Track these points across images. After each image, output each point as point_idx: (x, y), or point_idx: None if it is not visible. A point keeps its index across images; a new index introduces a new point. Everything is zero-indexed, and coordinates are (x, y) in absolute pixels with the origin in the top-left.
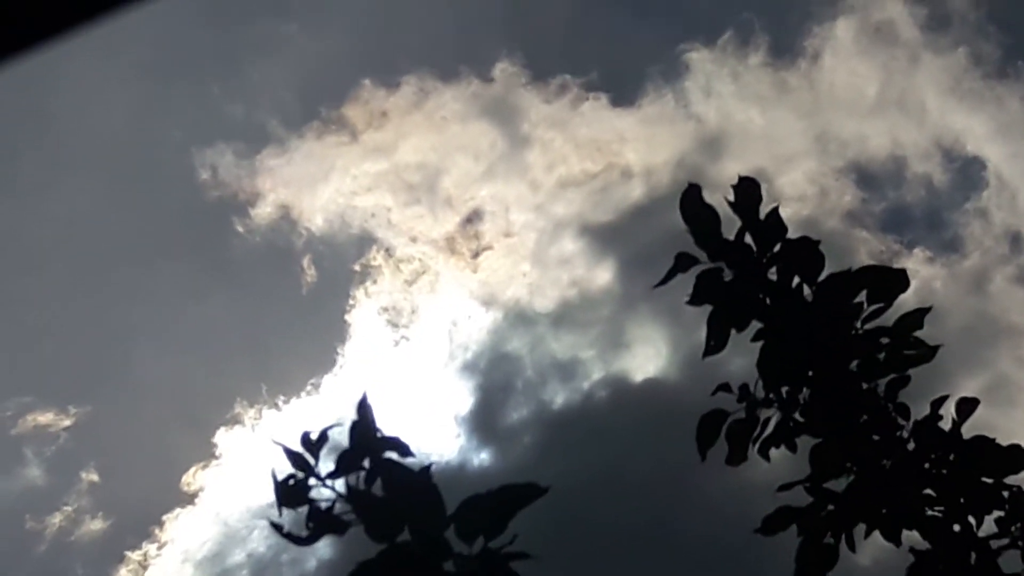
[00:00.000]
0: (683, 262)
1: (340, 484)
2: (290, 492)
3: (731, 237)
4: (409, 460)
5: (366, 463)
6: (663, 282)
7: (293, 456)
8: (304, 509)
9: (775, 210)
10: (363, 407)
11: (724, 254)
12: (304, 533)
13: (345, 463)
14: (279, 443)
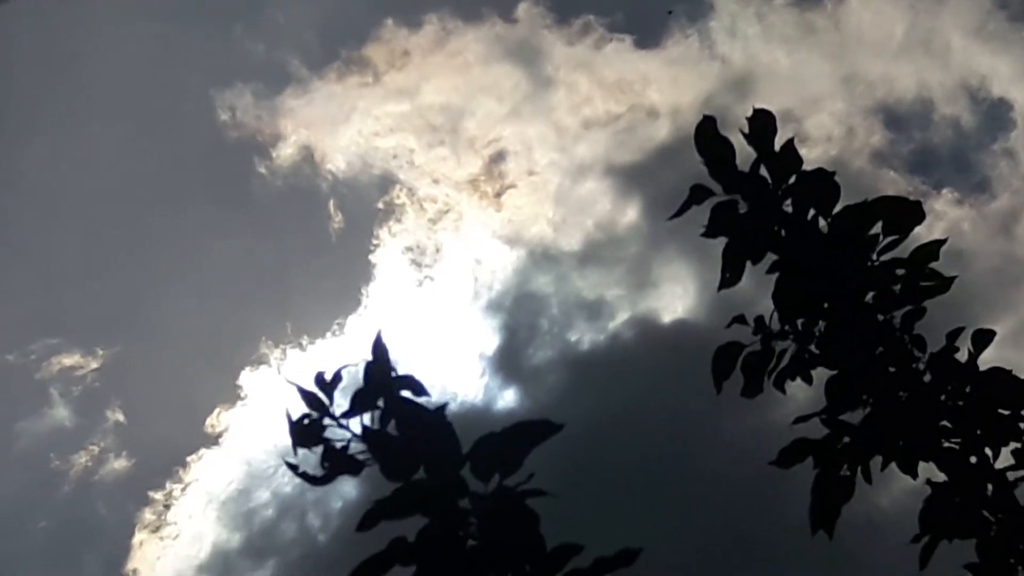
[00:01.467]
0: (698, 194)
1: (355, 424)
2: (305, 432)
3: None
4: (424, 399)
5: (381, 402)
6: (677, 214)
7: (307, 396)
8: (319, 449)
9: (790, 142)
10: (378, 346)
11: (739, 186)
12: (319, 473)
13: (359, 402)
14: (293, 383)
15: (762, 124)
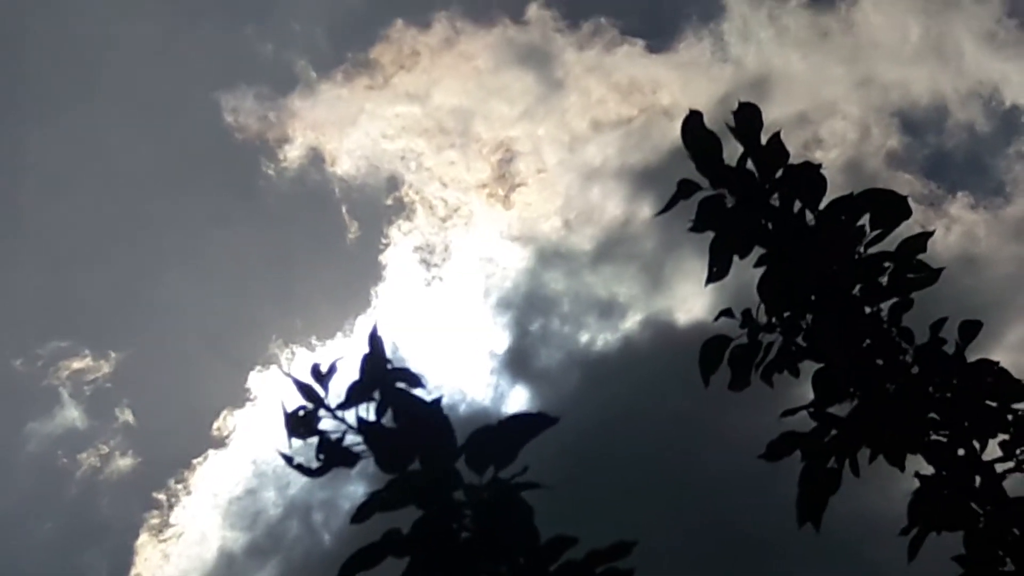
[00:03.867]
0: (685, 188)
1: (351, 416)
2: (299, 423)
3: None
4: (420, 391)
5: (376, 394)
6: (665, 209)
7: (303, 387)
8: (314, 441)
9: (777, 135)
10: (374, 338)
11: (726, 180)
12: (314, 465)
13: (355, 394)
14: (289, 374)
15: (748, 118)
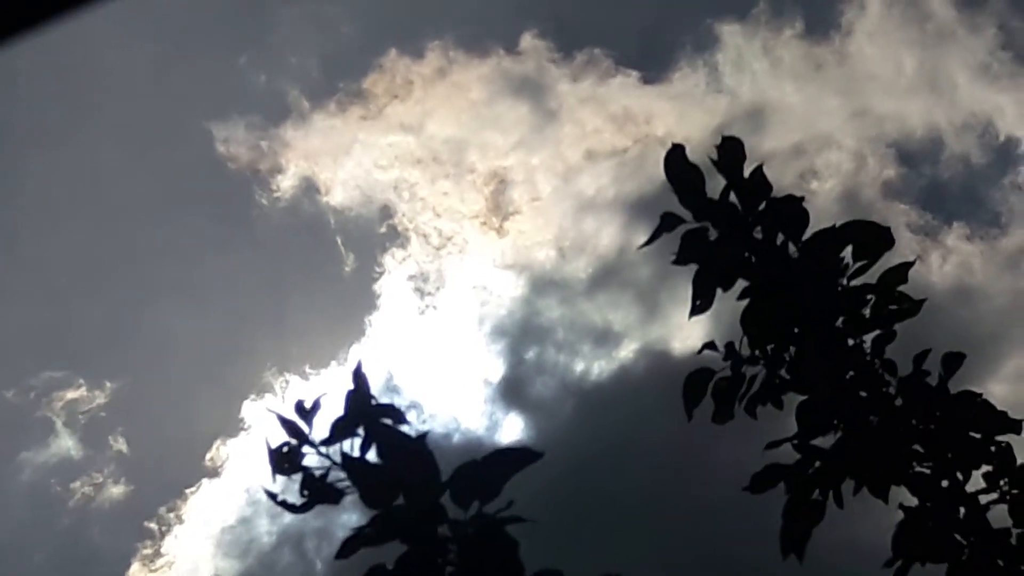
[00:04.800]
0: (668, 222)
1: (335, 451)
2: (284, 459)
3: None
4: (404, 427)
5: (360, 430)
6: (648, 242)
7: (287, 424)
8: (299, 477)
9: (759, 168)
10: (358, 375)
11: (709, 213)
12: (299, 501)
13: (339, 430)
14: (273, 411)
15: (731, 152)
